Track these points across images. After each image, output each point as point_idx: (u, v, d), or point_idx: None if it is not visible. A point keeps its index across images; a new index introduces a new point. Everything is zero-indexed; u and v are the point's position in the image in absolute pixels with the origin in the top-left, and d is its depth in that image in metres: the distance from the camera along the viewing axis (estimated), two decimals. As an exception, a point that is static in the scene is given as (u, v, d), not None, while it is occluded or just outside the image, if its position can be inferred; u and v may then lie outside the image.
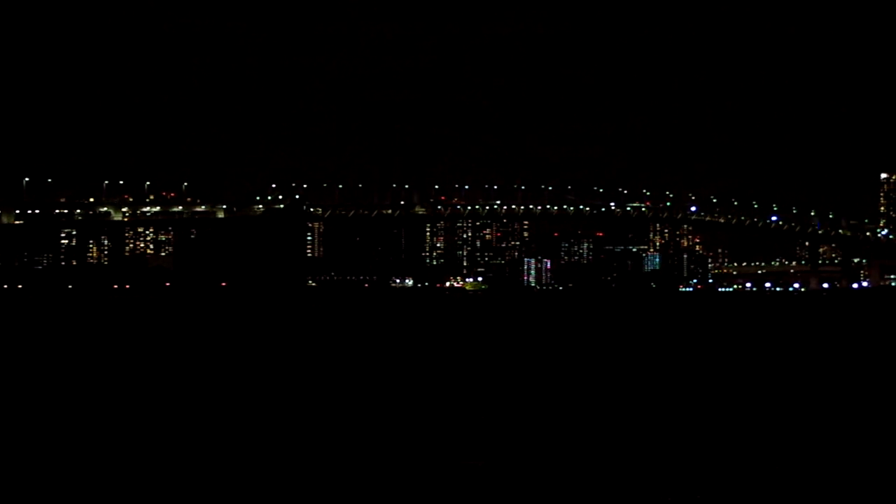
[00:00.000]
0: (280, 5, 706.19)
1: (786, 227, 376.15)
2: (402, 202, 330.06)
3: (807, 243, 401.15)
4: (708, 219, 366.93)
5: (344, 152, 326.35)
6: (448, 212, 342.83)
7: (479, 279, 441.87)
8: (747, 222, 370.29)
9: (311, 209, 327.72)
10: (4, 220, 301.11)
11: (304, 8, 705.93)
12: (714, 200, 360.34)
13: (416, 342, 62.57)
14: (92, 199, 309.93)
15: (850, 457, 23.15)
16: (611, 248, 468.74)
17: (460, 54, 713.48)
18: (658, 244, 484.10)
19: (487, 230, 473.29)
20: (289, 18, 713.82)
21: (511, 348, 58.83)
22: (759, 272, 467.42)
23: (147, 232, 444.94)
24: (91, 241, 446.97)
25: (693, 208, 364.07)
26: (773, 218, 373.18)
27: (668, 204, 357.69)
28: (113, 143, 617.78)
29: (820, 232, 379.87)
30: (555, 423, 27.42)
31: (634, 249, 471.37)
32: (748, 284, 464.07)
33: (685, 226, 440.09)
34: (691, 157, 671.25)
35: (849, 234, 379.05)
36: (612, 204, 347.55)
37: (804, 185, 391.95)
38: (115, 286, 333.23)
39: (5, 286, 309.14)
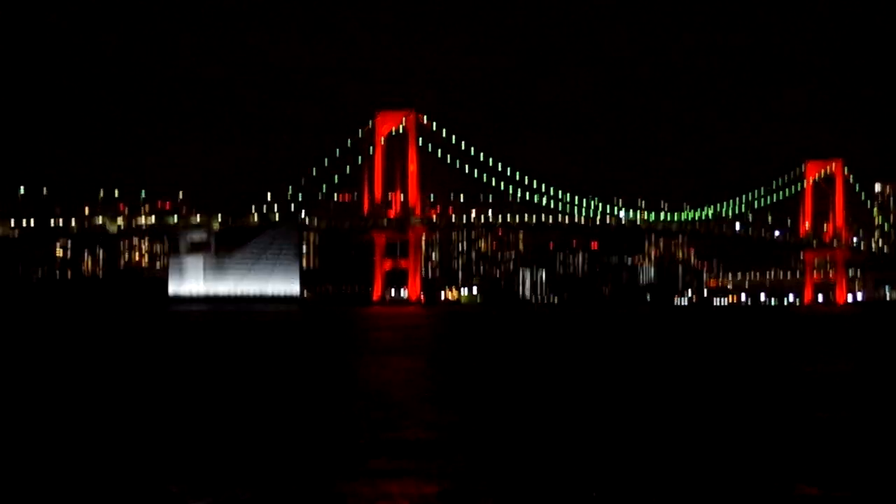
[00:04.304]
0: (274, 18, 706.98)
1: (781, 238, 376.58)
2: (398, 213, 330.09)
3: (802, 254, 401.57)
4: (703, 231, 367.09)
5: (339, 164, 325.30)
6: (443, 222, 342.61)
7: (475, 290, 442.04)
8: (742, 234, 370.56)
9: (307, 220, 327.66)
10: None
11: (299, 21, 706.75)
12: (710, 213, 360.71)
13: (414, 353, 62.68)
14: (87, 211, 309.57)
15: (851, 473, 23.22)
16: (606, 259, 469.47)
17: (455, 64, 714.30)
18: (653, 256, 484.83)
19: (482, 241, 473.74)
20: (284, 30, 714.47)
21: (509, 361, 58.87)
22: (755, 283, 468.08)
23: (142, 243, 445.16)
24: (86, 252, 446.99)
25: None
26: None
27: (664, 216, 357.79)
28: (108, 153, 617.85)
29: (815, 244, 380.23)
30: (548, 440, 27.50)
31: (630, 261, 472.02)
32: (743, 296, 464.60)
33: (680, 237, 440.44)
34: (687, 168, 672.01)
35: (843, 246, 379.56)
36: (609, 216, 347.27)
37: (798, 196, 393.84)
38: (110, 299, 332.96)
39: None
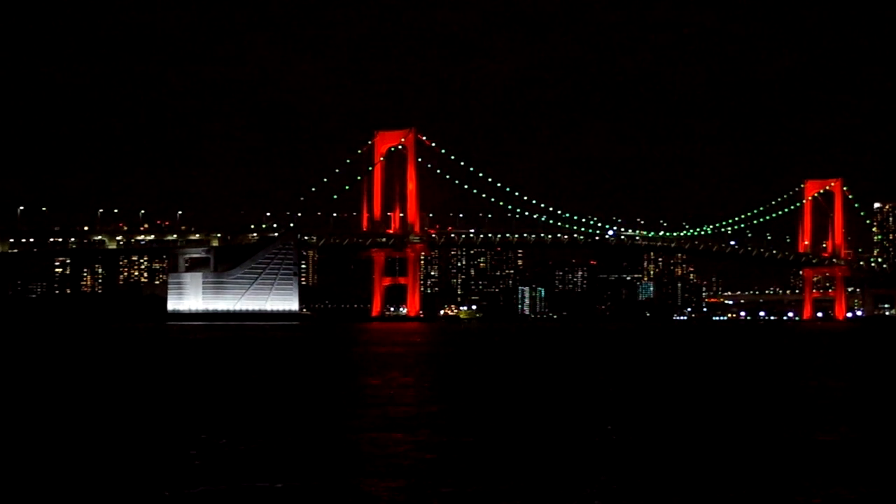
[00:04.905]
0: (275, 38, 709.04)
1: (780, 255, 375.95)
2: (397, 230, 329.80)
3: (801, 272, 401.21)
4: (702, 247, 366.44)
5: (339, 182, 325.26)
6: (442, 240, 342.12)
7: (474, 307, 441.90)
8: (741, 251, 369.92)
9: (306, 237, 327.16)
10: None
11: (300, 42, 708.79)
12: (709, 231, 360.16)
13: (412, 370, 62.64)
14: (87, 228, 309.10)
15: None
16: (605, 276, 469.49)
17: (454, 84, 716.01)
18: (652, 273, 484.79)
19: (482, 258, 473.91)
20: (285, 50, 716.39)
21: (506, 379, 58.82)
22: (754, 300, 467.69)
23: (141, 260, 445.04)
24: (85, 270, 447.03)
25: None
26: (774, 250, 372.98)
27: (663, 233, 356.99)
28: (107, 173, 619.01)
29: (814, 261, 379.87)
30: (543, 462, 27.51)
31: (628, 278, 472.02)
32: (742, 313, 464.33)
33: (679, 254, 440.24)
34: (686, 185, 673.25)
35: (843, 263, 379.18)
36: (611, 232, 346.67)
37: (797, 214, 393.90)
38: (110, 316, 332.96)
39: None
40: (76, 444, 30.21)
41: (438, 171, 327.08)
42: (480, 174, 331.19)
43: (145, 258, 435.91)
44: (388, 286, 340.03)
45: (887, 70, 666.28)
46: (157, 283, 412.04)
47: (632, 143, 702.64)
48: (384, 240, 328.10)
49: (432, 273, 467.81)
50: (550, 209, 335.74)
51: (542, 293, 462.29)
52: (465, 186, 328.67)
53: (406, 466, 25.97)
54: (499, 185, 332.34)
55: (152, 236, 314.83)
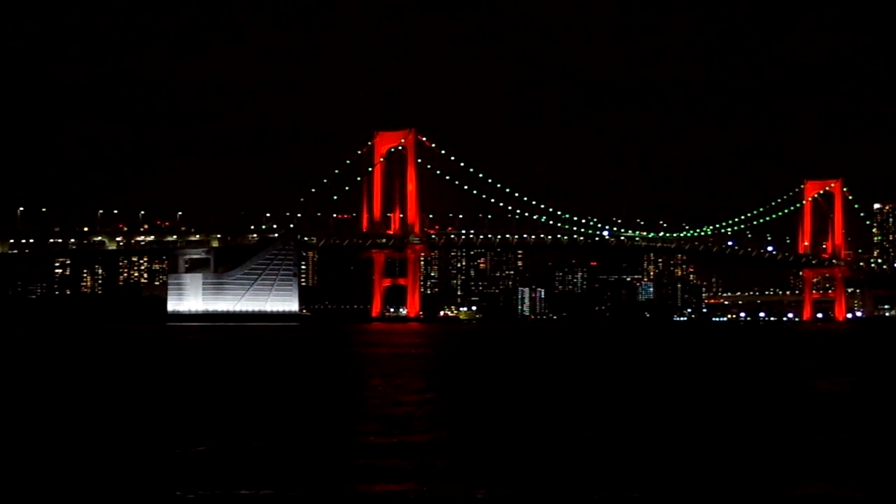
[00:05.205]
0: (275, 38, 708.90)
1: (779, 256, 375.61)
2: (397, 231, 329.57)
3: (801, 273, 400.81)
4: (702, 248, 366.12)
5: (338, 183, 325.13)
6: (442, 241, 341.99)
7: (474, 308, 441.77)
8: (741, 252, 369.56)
9: (306, 238, 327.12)
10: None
11: (300, 40, 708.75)
12: (709, 231, 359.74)
13: (413, 370, 62.63)
14: (87, 228, 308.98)
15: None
16: (605, 277, 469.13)
17: (455, 85, 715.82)
18: (652, 273, 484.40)
19: (482, 259, 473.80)
20: (284, 50, 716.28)
21: (505, 380, 58.76)
22: (754, 301, 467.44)
23: (141, 261, 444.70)
24: (85, 271, 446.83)
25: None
26: (770, 249, 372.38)
27: (663, 233, 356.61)
28: (107, 173, 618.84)
29: (814, 262, 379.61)
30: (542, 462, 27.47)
31: (628, 279, 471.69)
32: (742, 314, 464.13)
33: (679, 255, 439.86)
34: (686, 185, 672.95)
35: (842, 264, 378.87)
36: (606, 233, 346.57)
37: (797, 215, 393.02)
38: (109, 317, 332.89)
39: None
40: (76, 445, 30.20)
41: (438, 171, 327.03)
42: (480, 174, 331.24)
43: (145, 259, 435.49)
44: (387, 287, 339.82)
45: (887, 70, 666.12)
46: (157, 283, 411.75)
47: (632, 143, 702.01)
48: (384, 240, 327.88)
49: (432, 274, 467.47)
50: (550, 209, 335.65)
51: (542, 294, 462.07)
52: (465, 187, 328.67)
53: (406, 467, 25.97)
54: (499, 185, 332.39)
55: (152, 237, 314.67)
